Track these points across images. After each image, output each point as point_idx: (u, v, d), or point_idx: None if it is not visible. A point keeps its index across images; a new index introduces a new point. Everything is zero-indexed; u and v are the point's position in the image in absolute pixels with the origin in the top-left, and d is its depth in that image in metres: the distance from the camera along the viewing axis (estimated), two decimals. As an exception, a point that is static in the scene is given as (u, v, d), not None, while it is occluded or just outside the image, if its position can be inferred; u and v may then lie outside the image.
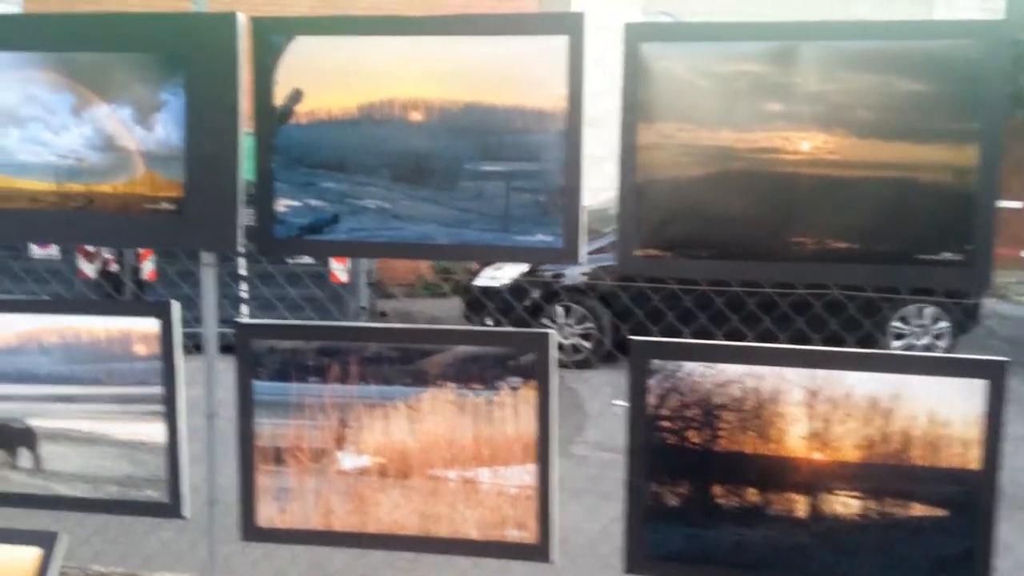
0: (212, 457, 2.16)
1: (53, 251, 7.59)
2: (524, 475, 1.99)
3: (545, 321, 7.10)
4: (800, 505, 1.88)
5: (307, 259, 7.21)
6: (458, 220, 1.93)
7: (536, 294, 7.15)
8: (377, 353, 2.01)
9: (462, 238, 1.93)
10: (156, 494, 2.14)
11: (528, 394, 1.96)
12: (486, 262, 7.26)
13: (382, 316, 9.53)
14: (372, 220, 1.96)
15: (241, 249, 1.98)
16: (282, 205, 1.99)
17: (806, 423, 1.85)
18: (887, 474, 1.84)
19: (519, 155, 1.89)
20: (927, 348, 7.34)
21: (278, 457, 2.07)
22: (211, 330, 2.12)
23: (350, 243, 1.98)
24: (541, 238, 1.90)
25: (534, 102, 1.87)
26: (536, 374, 1.95)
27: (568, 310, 7.16)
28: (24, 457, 2.18)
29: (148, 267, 7.47)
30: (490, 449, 1.99)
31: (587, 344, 7.18)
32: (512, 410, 1.97)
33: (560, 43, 1.84)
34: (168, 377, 2.09)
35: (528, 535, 2.00)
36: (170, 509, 2.14)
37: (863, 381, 1.82)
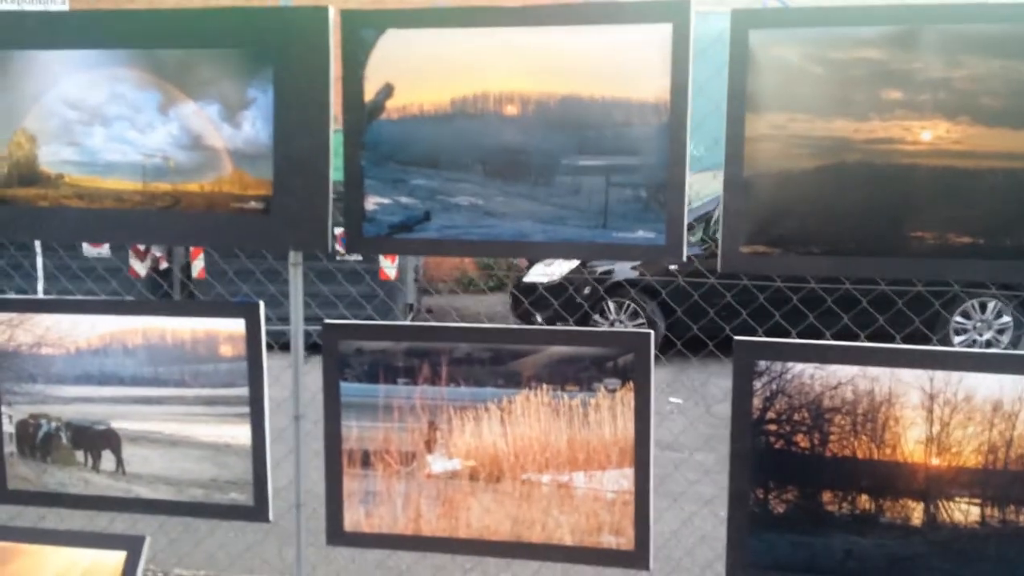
0: (299, 459, 2.12)
1: (104, 249, 7.65)
2: (621, 480, 1.92)
3: (597, 317, 7.03)
4: (916, 512, 1.79)
5: (356, 256, 7.20)
6: (554, 217, 1.87)
7: (587, 290, 7.06)
8: (468, 354, 1.96)
9: (559, 235, 1.87)
10: (241, 497, 2.11)
11: (626, 396, 1.89)
12: (535, 259, 7.19)
13: (428, 313, 9.51)
14: (465, 217, 1.90)
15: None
16: (372, 203, 1.94)
17: (923, 427, 1.76)
18: (1010, 480, 1.74)
19: (620, 149, 1.82)
20: (989, 344, 7.14)
21: (366, 460, 2.03)
22: (297, 330, 2.08)
23: (442, 241, 1.92)
24: (642, 235, 1.83)
25: (636, 94, 1.80)
26: (635, 375, 1.88)
27: (621, 306, 7.07)
28: (107, 460, 2.16)
29: (198, 265, 7.51)
30: (586, 453, 1.93)
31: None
32: (609, 412, 1.91)
33: (664, 31, 1.77)
34: (254, 378, 2.05)
35: (624, 541, 1.94)
36: (255, 512, 2.10)
37: (984, 383, 1.73)
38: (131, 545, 2.06)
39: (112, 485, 2.16)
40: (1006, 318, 7.22)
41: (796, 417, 1.81)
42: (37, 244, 7.50)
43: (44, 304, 2.15)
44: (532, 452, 1.95)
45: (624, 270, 7.13)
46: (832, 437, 1.80)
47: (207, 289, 7.60)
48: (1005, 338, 7.20)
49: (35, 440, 2.19)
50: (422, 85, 1.89)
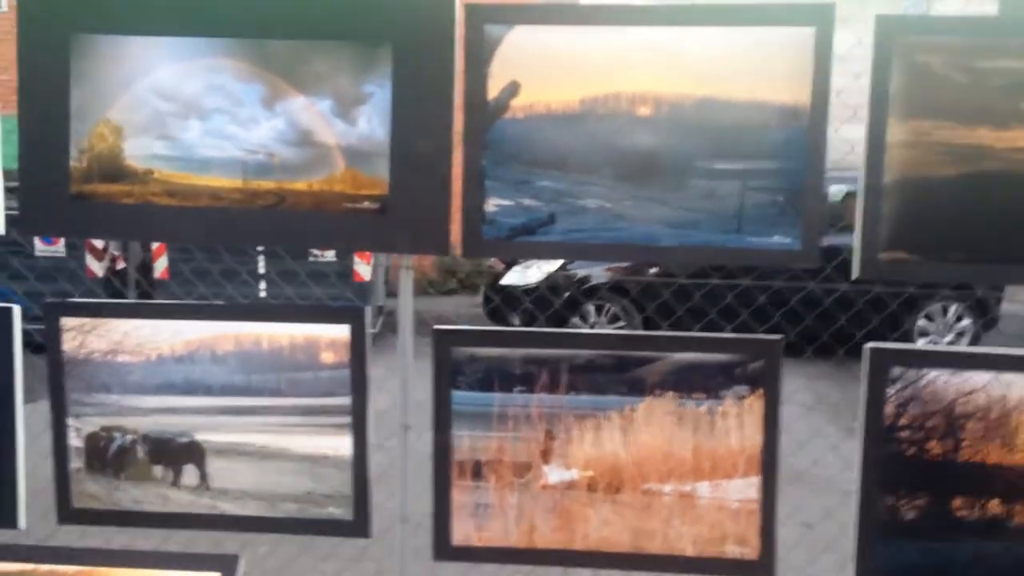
0: (405, 471, 2.03)
1: (59, 247, 7.29)
2: (747, 489, 1.90)
3: (576, 320, 7.02)
4: (1043, 517, 1.82)
5: (330, 256, 7.04)
6: (686, 221, 1.83)
7: (567, 292, 7.06)
8: (590, 360, 1.91)
9: (690, 239, 1.83)
10: (339, 511, 2.01)
11: (755, 403, 1.87)
12: (512, 260, 7.15)
13: (389, 317, 9.36)
14: (592, 220, 1.85)
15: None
16: (492, 204, 1.87)
17: (1052, 432, 1.79)
18: None
19: (757, 153, 1.79)
20: (951, 345, 7.42)
21: (477, 471, 1.95)
22: (407, 338, 1.99)
23: (567, 245, 1.87)
24: (778, 240, 1.81)
25: (776, 97, 1.77)
26: (764, 382, 1.86)
27: (600, 308, 7.08)
28: (189, 474, 2.03)
29: (161, 265, 7.22)
30: (711, 462, 1.90)
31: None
32: (737, 420, 1.88)
33: (806, 34, 1.75)
34: (358, 387, 1.95)
35: (749, 551, 1.91)
36: (355, 527, 2.00)
37: (1113, 389, 1.77)
38: (224, 566, 1.94)
39: (195, 501, 2.03)
40: (966, 321, 7.51)
41: (929, 424, 1.82)
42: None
43: (122, 308, 2.01)
44: (654, 461, 1.91)
45: (599, 274, 7.15)
46: (964, 443, 1.81)
47: (165, 290, 7.32)
48: (965, 340, 7.49)
49: (107, 455, 2.04)
50: (551, 84, 1.83)
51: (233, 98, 1.88)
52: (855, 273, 1.81)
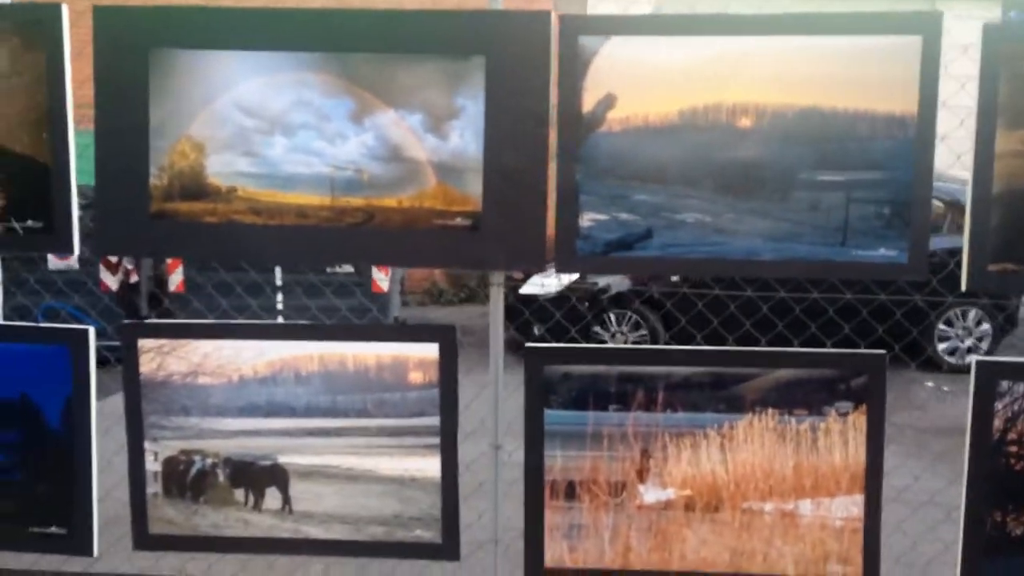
0: (497, 492, 1.98)
1: (72, 261, 7.21)
2: (851, 507, 1.85)
3: (597, 329, 6.98)
4: None
5: (347, 268, 6.99)
6: (789, 234, 1.79)
7: (586, 303, 7.02)
8: (687, 378, 1.86)
9: (792, 253, 1.79)
10: (428, 534, 1.96)
11: (858, 419, 1.83)
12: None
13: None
14: (690, 234, 1.81)
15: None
16: (587, 219, 1.83)
17: None
18: None
19: (863, 164, 1.76)
20: (971, 350, 7.40)
21: (570, 492, 1.91)
22: (498, 356, 1.95)
23: (664, 259, 1.82)
24: (884, 252, 1.77)
25: (882, 107, 1.74)
26: (868, 398, 1.82)
27: (621, 318, 7.04)
28: (271, 498, 1.98)
29: (177, 278, 7.15)
30: (813, 479, 1.86)
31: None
32: (840, 437, 1.84)
33: (913, 43, 1.72)
34: (447, 407, 1.91)
35: (852, 570, 1.87)
36: (443, 550, 1.95)
37: None
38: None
39: (277, 525, 1.98)
40: (985, 326, 7.49)
41: (1039, 438, 1.78)
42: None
43: (203, 329, 1.96)
44: (754, 480, 1.87)
45: (620, 284, 7.11)
46: (1075, 458, 1.77)
47: (184, 303, 7.25)
48: (985, 345, 7.47)
49: (186, 479, 1.99)
50: (647, 96, 1.79)
51: (320, 113, 1.84)
52: (963, 285, 1.77)
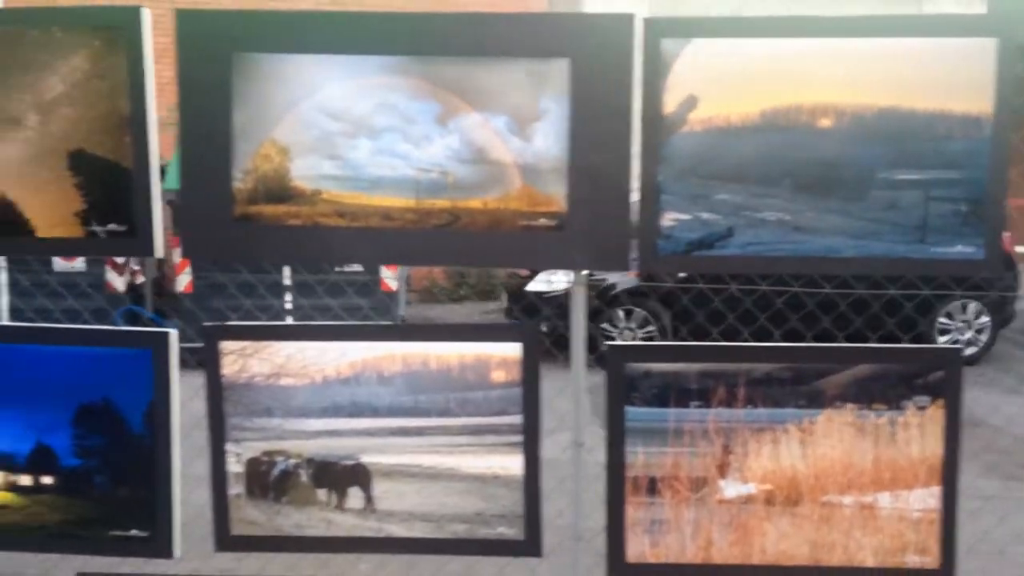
0: (578, 489, 2.00)
1: (78, 263, 7.18)
2: (928, 498, 1.90)
3: (605, 325, 7.03)
4: None
5: (356, 267, 6.99)
6: (868, 232, 1.83)
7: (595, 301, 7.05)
8: (768, 374, 1.90)
9: (871, 251, 1.83)
10: (510, 531, 1.98)
11: (936, 413, 1.87)
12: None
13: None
14: (771, 233, 1.85)
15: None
16: (669, 219, 1.86)
17: None
18: None
19: (940, 163, 1.80)
20: (970, 342, 7.51)
21: (652, 487, 1.94)
22: (579, 355, 1.97)
23: (745, 258, 1.86)
24: (961, 249, 1.82)
25: (958, 107, 1.78)
26: (945, 392, 1.87)
27: (629, 313, 7.09)
28: (354, 497, 1.99)
29: (184, 279, 7.13)
30: (891, 472, 1.90)
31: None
32: (918, 431, 1.88)
33: (989, 45, 1.76)
34: (529, 405, 1.93)
35: (930, 560, 1.92)
36: (525, 547, 1.98)
37: None
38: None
39: (360, 524, 2.00)
40: (984, 318, 7.61)
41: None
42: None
43: (285, 331, 1.98)
44: (834, 473, 1.91)
45: (626, 280, 7.15)
46: None
47: (191, 303, 7.22)
48: (984, 337, 7.59)
49: (268, 479, 2.00)
50: (729, 97, 1.82)
51: (405, 116, 1.86)
52: None
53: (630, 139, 1.83)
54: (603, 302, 7.07)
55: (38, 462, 2.00)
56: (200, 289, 7.12)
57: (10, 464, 2.01)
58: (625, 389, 1.92)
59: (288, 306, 7.09)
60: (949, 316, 7.57)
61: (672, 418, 1.92)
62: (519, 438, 1.95)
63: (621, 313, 7.10)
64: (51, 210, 1.92)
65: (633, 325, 7.07)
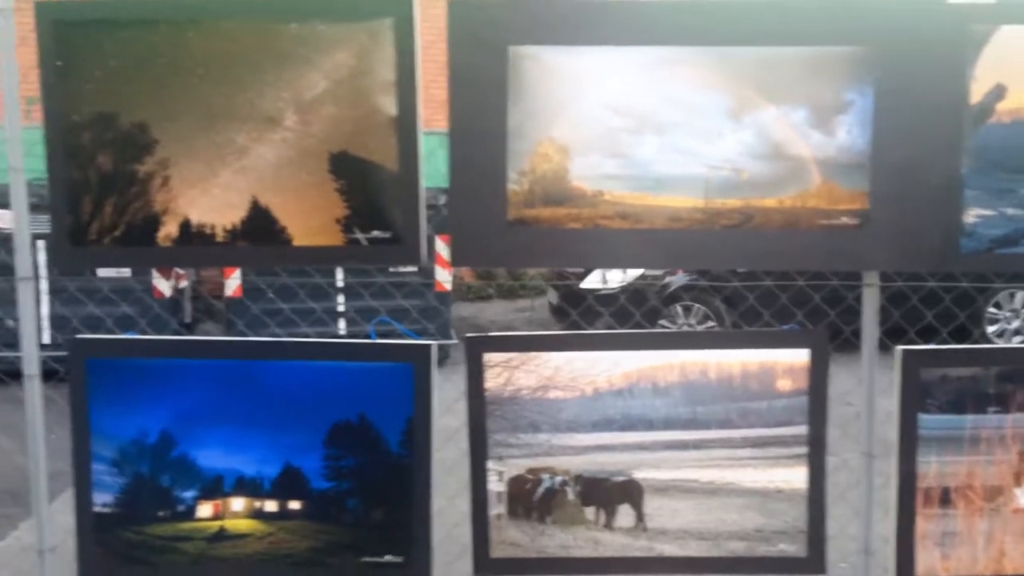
0: (870, 501, 1.91)
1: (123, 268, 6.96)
2: None
3: (664, 322, 6.95)
4: None
5: (411, 268, 6.84)
6: None
7: (651, 297, 6.98)
8: (1069, 376, 1.82)
9: None
10: (792, 548, 1.88)
11: None
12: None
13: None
14: (1081, 228, 1.76)
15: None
16: (972, 215, 1.77)
17: None
18: None
19: None
20: (1018, 331, 7.52)
21: (945, 498, 1.85)
22: (871, 358, 1.87)
23: (1054, 256, 1.77)
24: None
25: None
26: None
27: (688, 310, 7.02)
28: (624, 515, 1.89)
29: (234, 283, 6.94)
30: None
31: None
32: None
33: None
34: (816, 414, 1.84)
35: None
36: (809, 564, 1.88)
37: None
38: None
39: (629, 544, 1.89)
40: (1035, 307, 7.63)
41: None
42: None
43: (554, 341, 1.86)
44: None
45: (678, 279, 7.09)
46: None
47: (241, 309, 7.02)
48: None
49: (533, 498, 1.89)
50: (1041, 86, 1.73)
51: (694, 110, 1.75)
52: None
53: (939, 131, 1.73)
54: (660, 301, 6.99)
55: (286, 486, 1.87)
56: (245, 292, 6.94)
57: (255, 489, 1.88)
58: (920, 395, 1.82)
59: (340, 308, 6.93)
60: (997, 306, 7.57)
61: (969, 425, 1.83)
62: (804, 450, 1.85)
63: (679, 309, 7.02)
64: (309, 216, 1.79)
65: (693, 321, 6.99)
